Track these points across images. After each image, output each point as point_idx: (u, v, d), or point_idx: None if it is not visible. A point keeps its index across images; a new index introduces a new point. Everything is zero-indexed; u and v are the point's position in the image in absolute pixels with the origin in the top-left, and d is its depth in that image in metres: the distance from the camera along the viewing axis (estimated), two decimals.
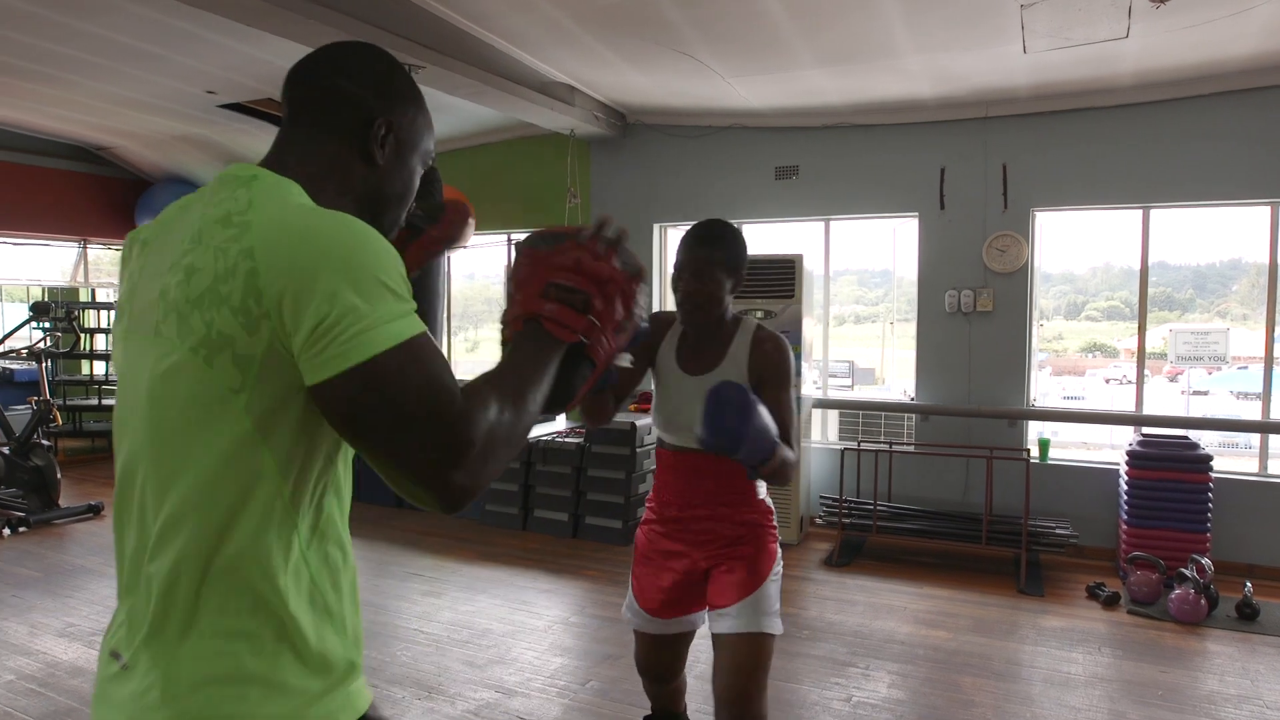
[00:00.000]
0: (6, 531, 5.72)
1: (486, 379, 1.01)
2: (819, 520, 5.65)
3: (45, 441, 6.24)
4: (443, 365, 0.97)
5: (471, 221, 1.52)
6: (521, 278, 1.12)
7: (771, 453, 1.88)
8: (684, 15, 4.43)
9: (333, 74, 1.09)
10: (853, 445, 5.55)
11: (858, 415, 6.29)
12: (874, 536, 5.40)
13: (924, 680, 3.60)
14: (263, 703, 0.96)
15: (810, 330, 5.66)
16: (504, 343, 1.12)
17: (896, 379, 10.35)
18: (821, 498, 5.63)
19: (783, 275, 5.46)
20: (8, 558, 5.26)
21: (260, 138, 7.18)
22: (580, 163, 6.57)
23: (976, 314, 5.49)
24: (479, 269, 8.59)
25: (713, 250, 2.16)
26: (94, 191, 8.20)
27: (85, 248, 8.39)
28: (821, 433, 6.19)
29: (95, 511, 6.22)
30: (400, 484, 0.96)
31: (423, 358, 0.94)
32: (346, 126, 1.08)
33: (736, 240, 2.21)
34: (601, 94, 6.01)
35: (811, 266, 5.66)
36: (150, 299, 0.98)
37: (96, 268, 8.57)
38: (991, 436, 5.43)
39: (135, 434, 1.00)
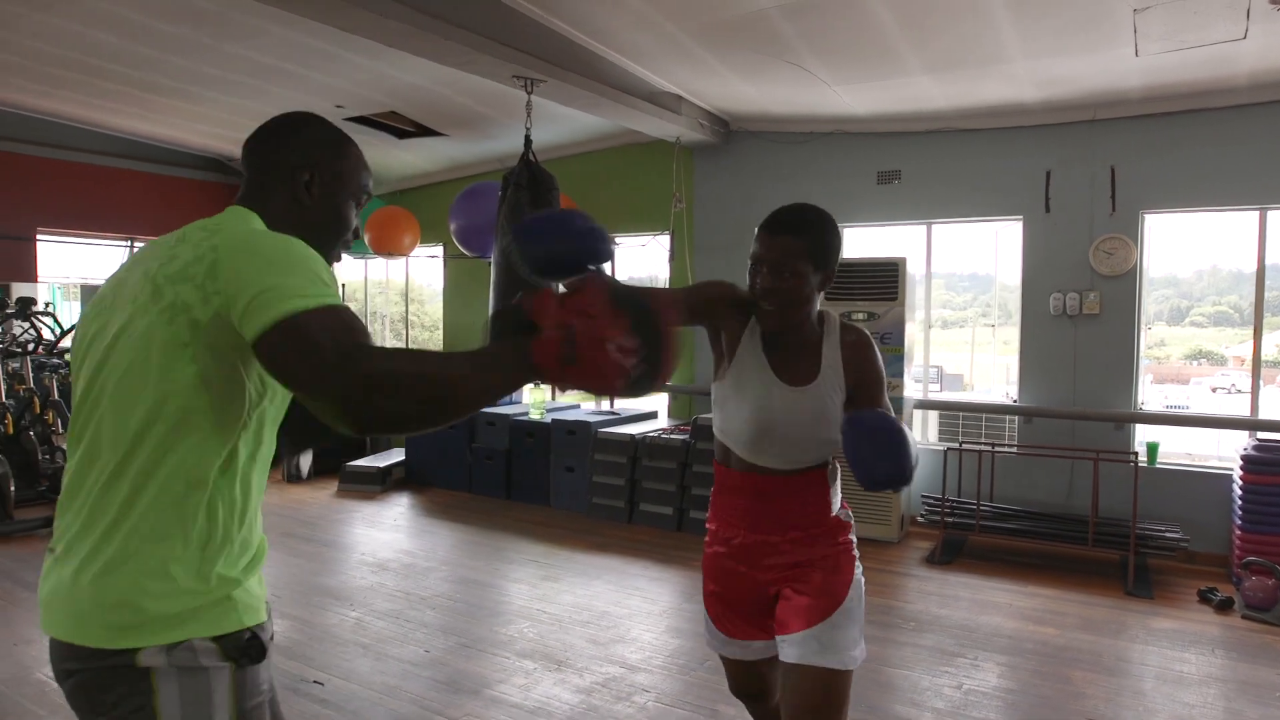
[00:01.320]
0: None
1: (432, 350, 1.30)
2: (920, 519, 5.72)
3: None
4: (359, 327, 1.21)
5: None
6: (550, 306, 1.23)
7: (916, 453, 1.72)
8: (795, 28, 4.60)
9: (272, 141, 1.46)
10: (955, 446, 5.61)
11: (957, 417, 6.33)
12: (975, 536, 5.45)
13: (1033, 673, 3.68)
14: (161, 595, 1.23)
15: (910, 333, 5.74)
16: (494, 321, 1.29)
17: (985, 384, 10.25)
18: (923, 497, 5.71)
19: (886, 278, 5.57)
20: None
21: (377, 147, 7.61)
22: (684, 169, 6.78)
23: (1083, 317, 5.49)
24: None
25: (795, 238, 1.86)
26: (223, 199, 8.76)
27: None
28: (922, 434, 6.26)
29: None
30: (323, 415, 1.18)
31: (337, 317, 1.19)
32: (283, 178, 1.44)
33: (825, 227, 1.90)
34: (707, 103, 6.21)
35: (912, 270, 5.74)
36: (133, 280, 1.31)
37: None
38: (1096, 440, 5.43)
39: (97, 374, 1.29)
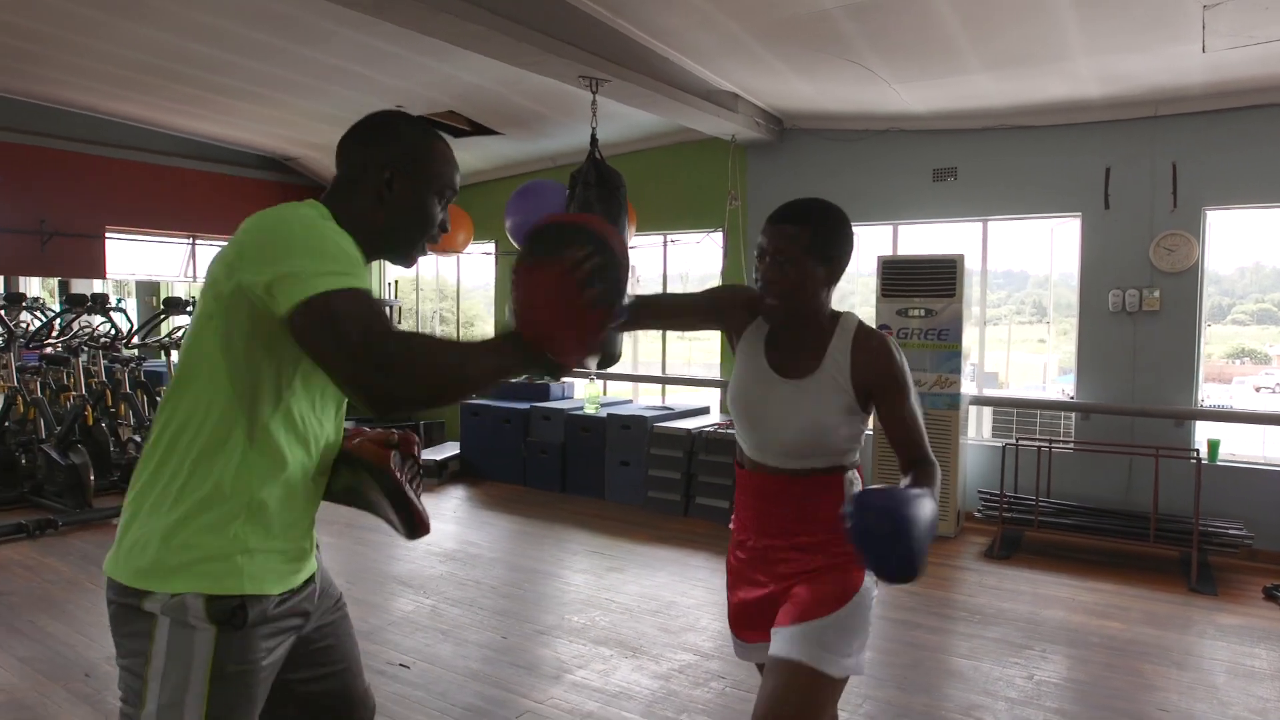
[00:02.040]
0: None
1: (442, 337, 1.46)
2: (977, 514, 5.76)
3: None
4: (379, 311, 1.31)
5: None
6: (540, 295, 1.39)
7: (934, 529, 1.59)
8: (857, 27, 4.65)
9: (358, 141, 1.56)
10: (1012, 441, 5.63)
11: (1011, 413, 6.35)
12: (1032, 531, 5.48)
13: (1103, 665, 3.72)
14: (173, 546, 1.35)
15: (968, 331, 5.77)
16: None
17: (1022, 381, 10.21)
18: (980, 492, 5.74)
19: (944, 274, 5.60)
20: None
21: None
22: (739, 166, 6.85)
23: (1142, 313, 5.49)
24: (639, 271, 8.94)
25: (797, 227, 1.80)
26: (281, 198, 8.92)
27: None
28: (976, 430, 6.29)
29: None
30: (343, 392, 1.31)
31: (359, 300, 1.28)
32: (367, 176, 1.52)
33: (830, 218, 1.83)
34: (763, 101, 6.28)
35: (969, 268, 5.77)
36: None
37: None
38: (1154, 436, 5.43)
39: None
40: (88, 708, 3.20)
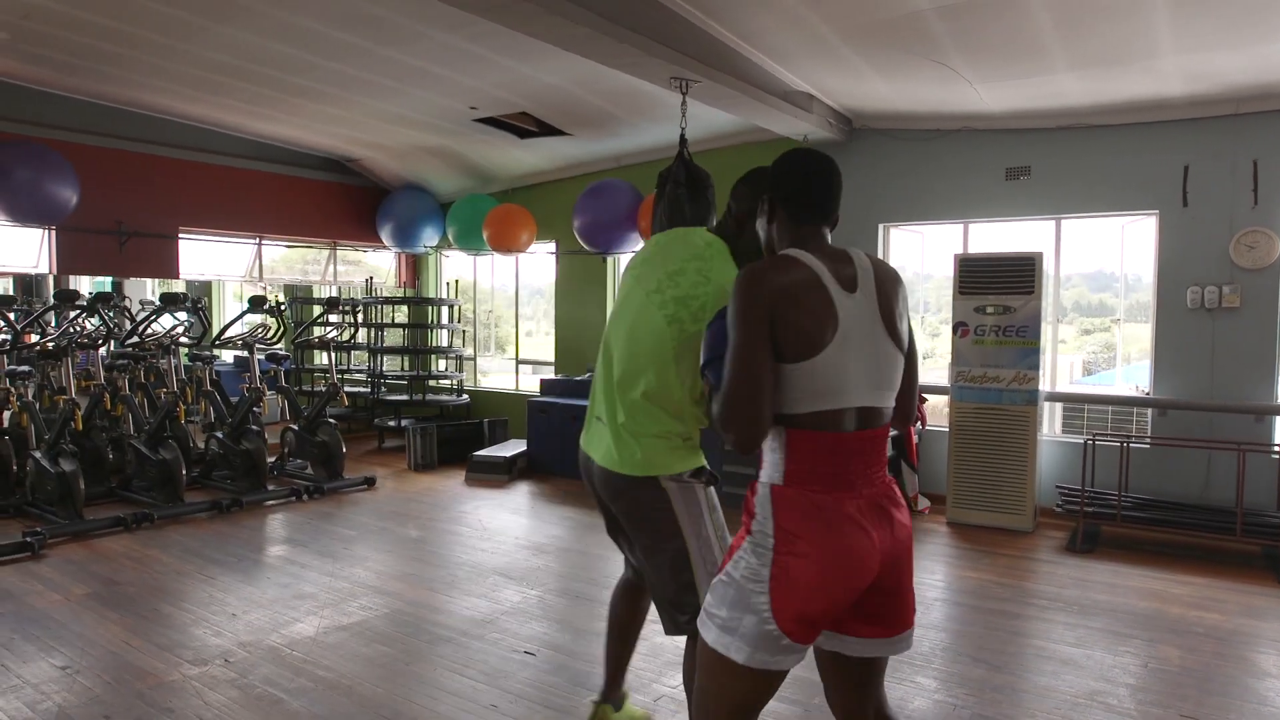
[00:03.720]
0: (304, 497, 6.55)
1: None
2: (1057, 508, 5.81)
3: (331, 420, 7.05)
4: None
5: None
6: None
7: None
8: (947, 27, 4.72)
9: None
10: (1091, 438, 5.69)
11: (1082, 409, 6.39)
12: (1110, 526, 5.53)
13: (1214, 654, 3.78)
14: (660, 450, 2.27)
15: (1045, 335, 5.82)
16: None
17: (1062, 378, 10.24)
18: (1059, 487, 5.80)
19: (1022, 272, 5.66)
20: (315, 519, 6.04)
21: (498, 148, 7.87)
22: None
23: (1221, 310, 5.54)
24: None
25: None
26: (343, 199, 9.12)
27: (335, 250, 9.33)
28: (1049, 426, 6.34)
29: (370, 483, 7.01)
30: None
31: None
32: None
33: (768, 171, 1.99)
34: (836, 101, 6.35)
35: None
36: (652, 276, 2.33)
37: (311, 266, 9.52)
38: (1233, 432, 5.47)
39: (618, 330, 2.38)
40: (236, 690, 3.31)
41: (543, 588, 4.61)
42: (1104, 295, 8.80)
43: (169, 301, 6.26)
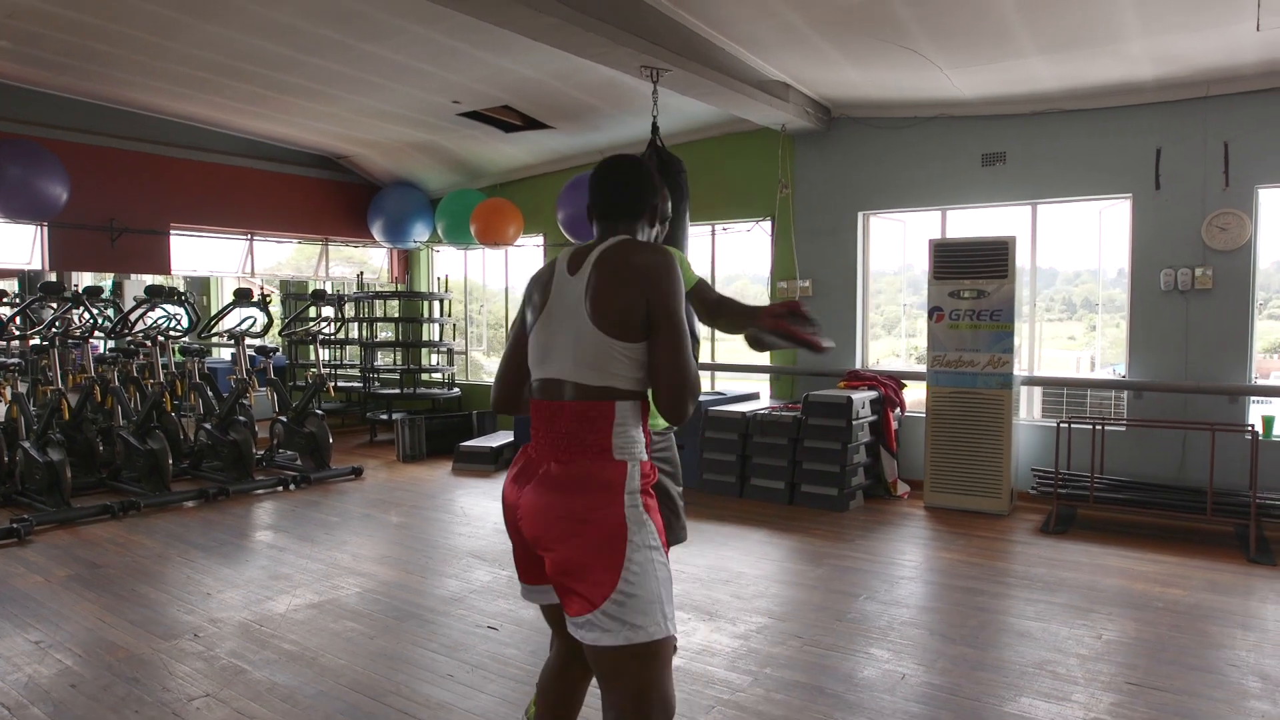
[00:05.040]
0: (291, 487, 6.64)
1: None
2: (1032, 490, 5.85)
3: (319, 411, 7.15)
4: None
5: None
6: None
7: None
8: (913, 13, 4.77)
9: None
10: (1065, 420, 5.72)
11: (1061, 394, 6.42)
12: (1086, 508, 5.56)
13: (1170, 626, 3.81)
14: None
15: (1019, 319, 5.85)
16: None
17: (1050, 372, 10.22)
18: (1035, 470, 5.83)
19: (996, 256, 5.70)
20: (300, 507, 6.14)
21: (484, 142, 7.95)
22: (787, 155, 6.98)
23: (1194, 292, 5.56)
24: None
25: None
26: (334, 195, 9.23)
27: (327, 246, 9.44)
28: (1027, 410, 6.37)
29: (358, 473, 7.10)
30: None
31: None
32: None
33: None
34: (813, 90, 6.41)
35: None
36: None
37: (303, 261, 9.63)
38: (1207, 414, 5.49)
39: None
40: (202, 662, 3.39)
41: (514, 568, 4.67)
42: (1114, 292, 8.82)
43: (154, 294, 6.37)
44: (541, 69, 6.04)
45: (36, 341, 6.33)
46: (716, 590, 4.30)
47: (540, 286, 1.92)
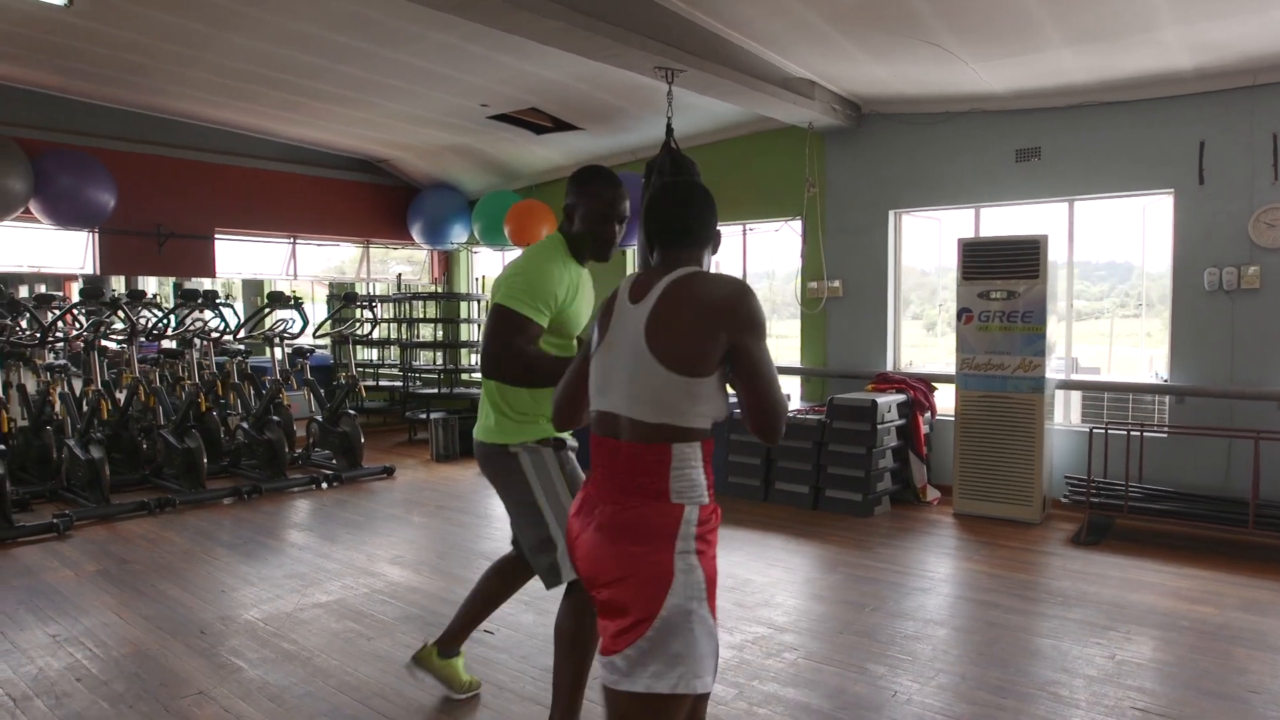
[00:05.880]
0: (324, 485, 6.79)
1: (538, 353, 2.45)
2: (1064, 499, 5.63)
3: (351, 411, 7.29)
4: (513, 324, 2.40)
5: None
6: None
7: None
8: (932, 6, 4.62)
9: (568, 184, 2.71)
10: (1099, 426, 5.49)
11: (1101, 398, 6.17)
12: (1123, 518, 5.33)
13: (1191, 648, 3.62)
14: (511, 423, 2.61)
15: (1052, 320, 5.64)
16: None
17: (1125, 377, 9.82)
18: (1067, 478, 5.62)
19: (1026, 256, 5.50)
20: (329, 505, 6.27)
21: (518, 144, 8.00)
22: (816, 153, 6.86)
23: (1240, 292, 5.28)
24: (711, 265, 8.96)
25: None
26: (375, 199, 9.40)
27: (368, 248, 9.63)
28: (1064, 415, 6.14)
29: (389, 473, 7.22)
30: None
31: (505, 317, 2.41)
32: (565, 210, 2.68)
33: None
34: (839, 87, 6.27)
35: (1053, 256, 5.62)
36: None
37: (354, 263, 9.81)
38: (1256, 420, 5.21)
39: None
40: (203, 659, 3.48)
41: None
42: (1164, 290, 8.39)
43: (188, 298, 6.57)
44: (562, 71, 6.04)
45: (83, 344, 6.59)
46: (720, 597, 4.19)
47: (605, 311, 1.87)
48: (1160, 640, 3.70)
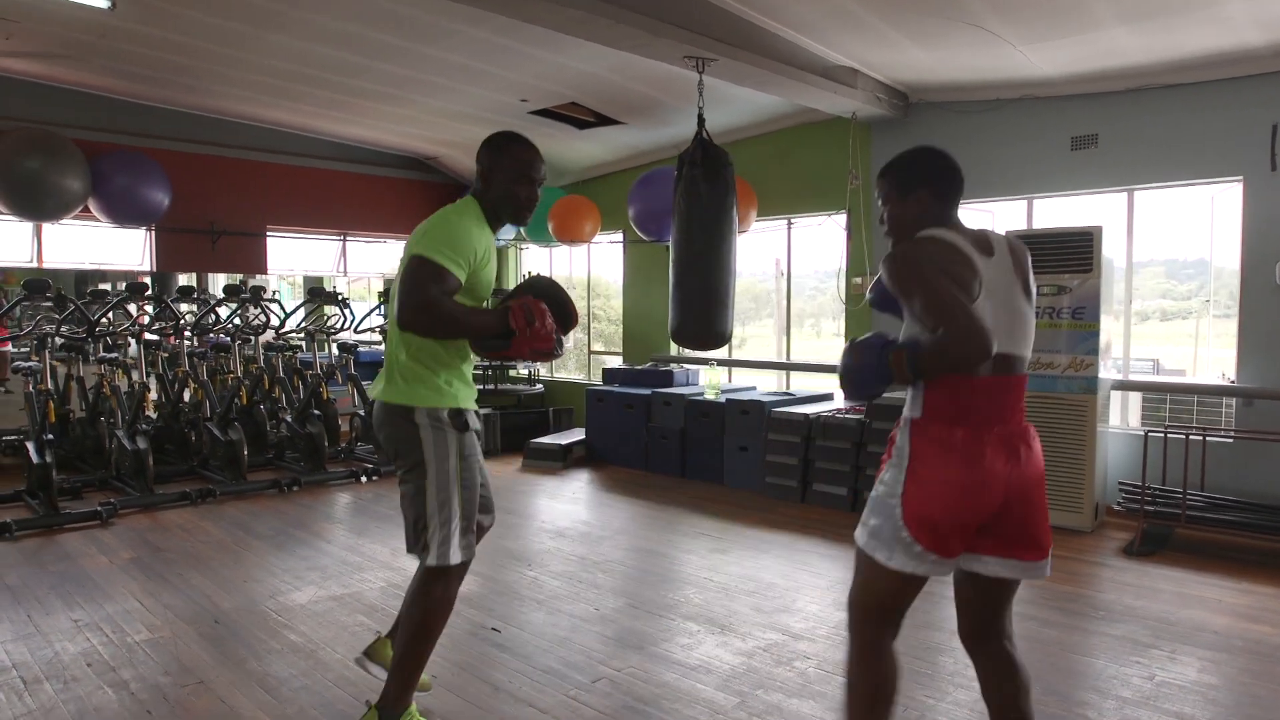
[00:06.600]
0: (364, 479, 6.85)
1: (458, 305, 2.43)
2: (1118, 506, 5.32)
3: None
4: (432, 275, 2.35)
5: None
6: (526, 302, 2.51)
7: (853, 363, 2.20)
8: None
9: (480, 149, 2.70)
10: (1156, 429, 5.16)
11: (1164, 400, 5.82)
12: (1182, 528, 5.00)
13: (1242, 670, 3.35)
14: (420, 386, 2.51)
15: (1107, 317, 5.32)
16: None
17: (1203, 373, 9.27)
18: (1121, 484, 5.30)
19: (1079, 249, 5.20)
20: (366, 499, 6.32)
21: (560, 140, 7.96)
22: (861, 145, 6.64)
23: None
24: (754, 260, 8.79)
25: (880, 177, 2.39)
26: (423, 196, 9.49)
27: None
28: (1121, 417, 5.80)
29: None
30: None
31: (424, 267, 2.35)
32: (477, 174, 2.68)
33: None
34: (883, 75, 6.05)
35: (1109, 253, 5.31)
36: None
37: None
38: None
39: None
40: (211, 648, 3.50)
41: (543, 569, 4.64)
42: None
43: (230, 294, 6.70)
44: (596, 63, 5.96)
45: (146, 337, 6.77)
46: (738, 601, 4.11)
47: (966, 263, 2.00)
48: (1208, 661, 3.43)
